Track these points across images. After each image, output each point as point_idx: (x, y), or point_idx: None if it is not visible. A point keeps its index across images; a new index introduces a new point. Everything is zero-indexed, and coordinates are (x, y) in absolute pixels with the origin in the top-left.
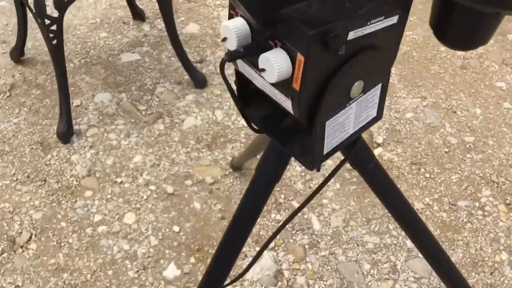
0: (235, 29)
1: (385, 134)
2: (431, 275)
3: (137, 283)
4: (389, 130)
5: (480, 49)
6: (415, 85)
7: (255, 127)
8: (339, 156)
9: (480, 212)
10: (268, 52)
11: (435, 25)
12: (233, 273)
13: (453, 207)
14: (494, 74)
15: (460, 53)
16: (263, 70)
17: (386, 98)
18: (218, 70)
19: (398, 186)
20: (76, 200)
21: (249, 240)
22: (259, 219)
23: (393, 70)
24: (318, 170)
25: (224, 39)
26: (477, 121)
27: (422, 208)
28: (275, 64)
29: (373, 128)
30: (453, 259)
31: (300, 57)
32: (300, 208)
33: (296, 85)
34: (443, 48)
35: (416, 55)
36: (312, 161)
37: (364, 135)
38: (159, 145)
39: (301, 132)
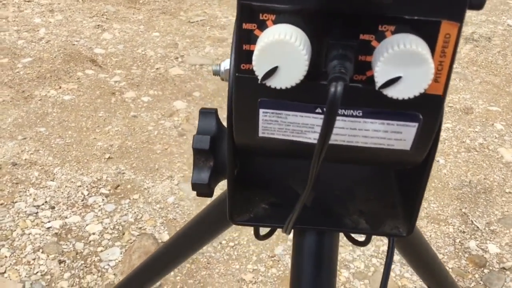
0: (298, 40)
1: None
2: None
3: None
4: None
5: None
6: None
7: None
8: None
9: None
10: (393, 43)
11: None
12: None
13: None
14: None
15: None
16: (393, 81)
17: None
18: None
19: None
20: None
21: None
22: None
23: None
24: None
25: (271, 72)
26: None
27: None
28: (423, 53)
29: None
30: None
31: (448, 30)
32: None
33: (439, 87)
34: None
35: None
36: (412, 219)
37: None
38: None
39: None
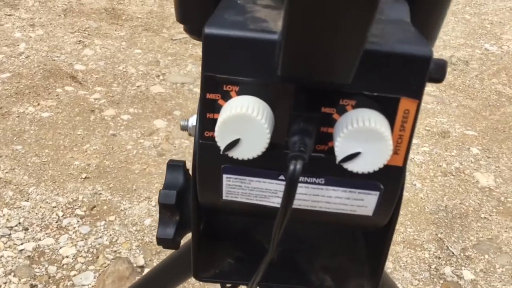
0: (261, 113)
1: None
2: None
3: None
4: None
5: None
6: None
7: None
8: None
9: None
10: (352, 119)
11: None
12: None
13: None
14: None
15: None
16: (353, 156)
17: None
18: None
19: None
20: None
21: None
22: None
23: None
24: None
25: (233, 144)
26: None
27: None
28: (381, 131)
29: None
30: None
31: (407, 106)
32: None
33: (399, 158)
34: None
35: None
36: (376, 278)
37: None
38: None
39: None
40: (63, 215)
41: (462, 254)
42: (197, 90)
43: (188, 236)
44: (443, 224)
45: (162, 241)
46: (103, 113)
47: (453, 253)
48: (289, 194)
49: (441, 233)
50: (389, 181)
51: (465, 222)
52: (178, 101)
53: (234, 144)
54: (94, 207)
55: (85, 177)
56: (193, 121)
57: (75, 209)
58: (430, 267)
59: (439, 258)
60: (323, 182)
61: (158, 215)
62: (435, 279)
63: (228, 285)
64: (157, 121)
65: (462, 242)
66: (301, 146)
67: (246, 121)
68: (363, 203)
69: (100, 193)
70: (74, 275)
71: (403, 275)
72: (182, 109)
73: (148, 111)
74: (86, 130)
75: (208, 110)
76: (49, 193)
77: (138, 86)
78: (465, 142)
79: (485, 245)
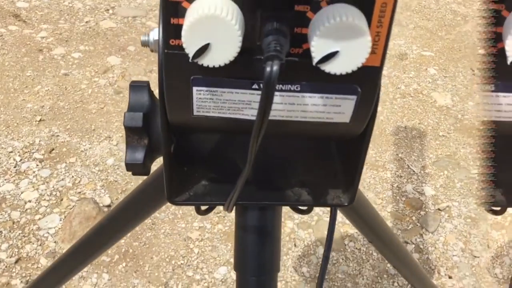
0: (230, 14)
1: None
2: None
3: None
4: None
5: None
6: None
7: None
8: None
9: None
10: (328, 16)
11: None
12: None
13: None
14: None
15: None
16: (330, 56)
17: None
18: None
19: None
20: None
21: None
22: None
23: None
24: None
25: (203, 50)
26: None
27: None
28: (360, 26)
29: None
30: None
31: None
32: None
33: (376, 58)
34: None
35: None
36: (353, 189)
37: None
38: None
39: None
40: (21, 159)
41: (422, 172)
42: (151, 23)
43: (156, 164)
44: (403, 144)
45: (131, 167)
46: (52, 52)
47: (413, 171)
48: (267, 98)
49: (402, 153)
50: (367, 83)
51: (424, 141)
52: (131, 36)
53: (203, 49)
54: (53, 149)
55: (40, 120)
56: (154, 35)
57: (33, 152)
58: (393, 186)
59: (401, 177)
60: (298, 89)
61: (125, 145)
62: (398, 197)
63: (203, 207)
64: (111, 58)
65: (422, 160)
66: (277, 46)
67: (215, 23)
68: (340, 109)
69: (58, 135)
70: (39, 219)
71: (367, 195)
72: (136, 44)
73: (100, 47)
74: (36, 70)
75: (171, 14)
76: (4, 138)
77: (86, 22)
78: (423, 63)
79: (444, 161)
